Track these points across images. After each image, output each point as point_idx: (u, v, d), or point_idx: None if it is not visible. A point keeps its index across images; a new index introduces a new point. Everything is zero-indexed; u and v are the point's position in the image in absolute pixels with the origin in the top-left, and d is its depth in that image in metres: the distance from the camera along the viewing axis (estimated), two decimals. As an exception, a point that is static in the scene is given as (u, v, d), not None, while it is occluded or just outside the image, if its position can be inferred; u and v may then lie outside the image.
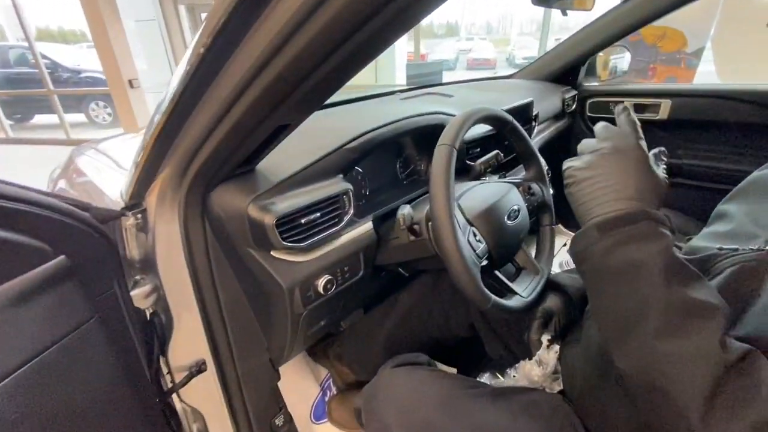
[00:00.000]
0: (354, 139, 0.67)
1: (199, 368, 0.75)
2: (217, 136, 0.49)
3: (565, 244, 1.15)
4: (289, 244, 0.58)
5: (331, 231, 0.64)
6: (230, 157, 0.53)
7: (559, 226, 1.24)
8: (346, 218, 0.66)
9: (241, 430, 0.80)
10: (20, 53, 6.57)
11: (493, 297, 0.57)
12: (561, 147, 1.65)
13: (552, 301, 0.67)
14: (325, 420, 1.05)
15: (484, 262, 0.61)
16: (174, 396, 0.79)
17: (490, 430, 0.52)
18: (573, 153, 1.68)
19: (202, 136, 0.50)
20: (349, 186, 0.65)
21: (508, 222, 0.64)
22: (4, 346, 0.40)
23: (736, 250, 0.44)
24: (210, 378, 0.76)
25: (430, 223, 0.62)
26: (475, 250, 0.58)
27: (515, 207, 0.67)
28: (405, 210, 0.63)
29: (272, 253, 0.60)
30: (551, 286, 0.70)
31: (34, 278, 0.43)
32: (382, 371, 0.67)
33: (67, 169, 1.06)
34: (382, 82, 5.91)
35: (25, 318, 0.42)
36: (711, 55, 3.33)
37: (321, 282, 0.64)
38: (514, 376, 0.63)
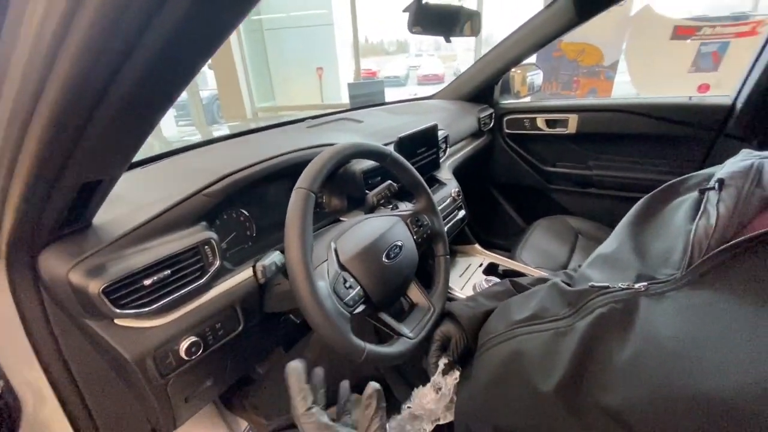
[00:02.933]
0: (213, 183, 0.61)
1: (61, 454, 0.65)
2: (13, 197, 0.42)
3: (481, 264, 1.14)
4: (129, 311, 0.51)
5: (191, 287, 0.57)
6: (40, 220, 0.45)
7: (476, 246, 1.24)
8: (212, 270, 0.60)
9: None
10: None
11: (368, 347, 0.53)
12: (483, 164, 1.69)
13: (448, 326, 0.64)
14: (241, 480, 0.95)
15: (360, 308, 0.57)
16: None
17: None
18: (495, 169, 1.70)
19: None
20: (212, 235, 0.59)
21: (386, 261, 0.61)
22: None
23: (607, 287, 0.43)
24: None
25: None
26: (343, 299, 0.54)
27: (398, 243, 0.64)
28: (267, 259, 0.58)
29: (115, 321, 0.53)
30: (446, 314, 0.67)
31: None
32: None
33: None
34: (329, 101, 5.90)
35: None
36: (625, 66, 3.62)
37: (183, 345, 0.57)
38: (408, 407, 0.58)
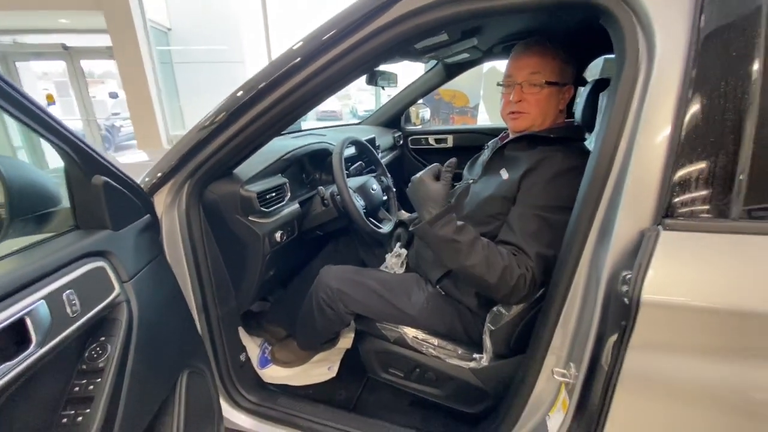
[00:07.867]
0: (285, 155, 1.20)
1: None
2: (225, 151, 0.96)
3: (407, 220, 1.86)
4: (262, 209, 1.05)
5: (279, 205, 1.14)
6: (227, 164, 0.99)
7: (402, 211, 1.94)
8: (287, 198, 1.17)
9: (219, 362, 1.14)
10: None
11: (371, 226, 1.17)
12: (397, 168, 2.45)
13: (400, 230, 1.31)
14: (270, 365, 1.42)
15: (363, 212, 1.21)
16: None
17: (382, 276, 1.10)
18: (403, 172, 2.59)
19: (214, 153, 0.95)
20: (286, 180, 1.17)
21: (372, 191, 1.26)
22: (137, 256, 0.78)
23: (463, 185, 1.15)
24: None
25: (336, 197, 1.18)
26: (359, 205, 1.17)
27: (374, 186, 1.30)
28: (320, 188, 1.18)
29: (249, 217, 1.06)
30: (400, 223, 1.34)
31: (140, 224, 0.82)
32: (321, 271, 1.17)
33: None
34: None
35: (141, 242, 0.80)
36: (484, 108, 4.98)
37: (278, 234, 1.12)
38: (385, 267, 1.21)
